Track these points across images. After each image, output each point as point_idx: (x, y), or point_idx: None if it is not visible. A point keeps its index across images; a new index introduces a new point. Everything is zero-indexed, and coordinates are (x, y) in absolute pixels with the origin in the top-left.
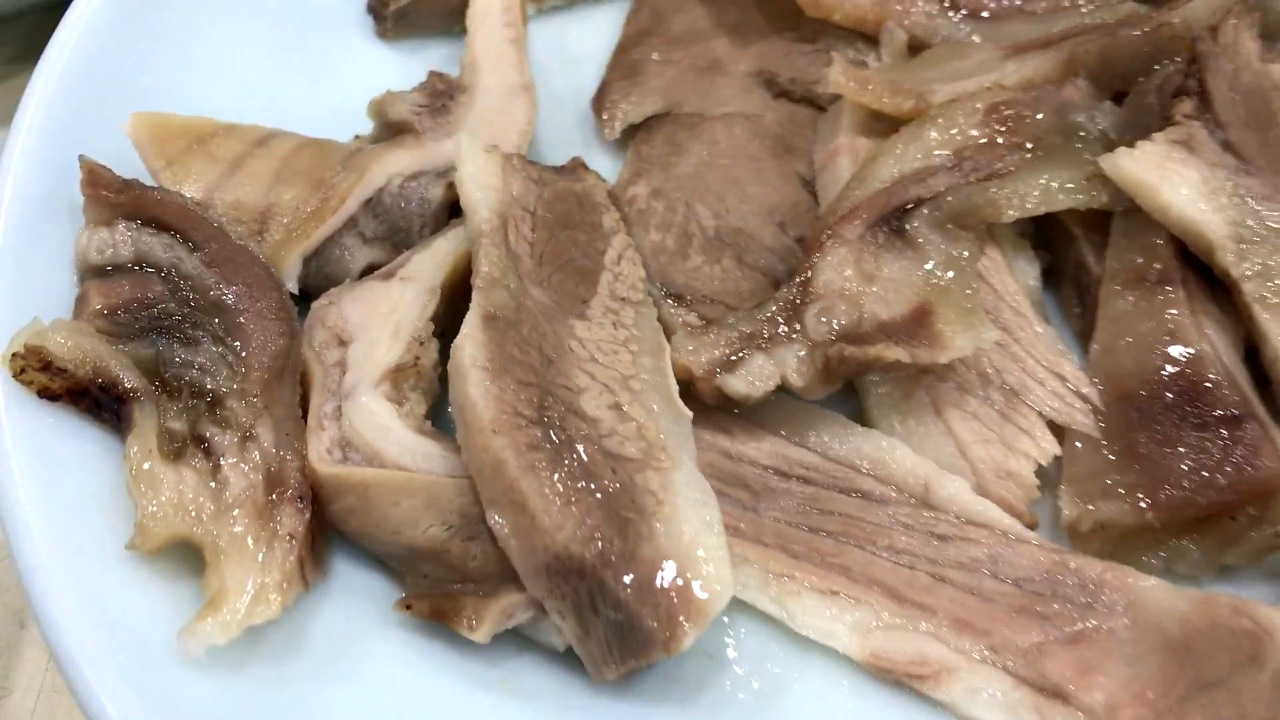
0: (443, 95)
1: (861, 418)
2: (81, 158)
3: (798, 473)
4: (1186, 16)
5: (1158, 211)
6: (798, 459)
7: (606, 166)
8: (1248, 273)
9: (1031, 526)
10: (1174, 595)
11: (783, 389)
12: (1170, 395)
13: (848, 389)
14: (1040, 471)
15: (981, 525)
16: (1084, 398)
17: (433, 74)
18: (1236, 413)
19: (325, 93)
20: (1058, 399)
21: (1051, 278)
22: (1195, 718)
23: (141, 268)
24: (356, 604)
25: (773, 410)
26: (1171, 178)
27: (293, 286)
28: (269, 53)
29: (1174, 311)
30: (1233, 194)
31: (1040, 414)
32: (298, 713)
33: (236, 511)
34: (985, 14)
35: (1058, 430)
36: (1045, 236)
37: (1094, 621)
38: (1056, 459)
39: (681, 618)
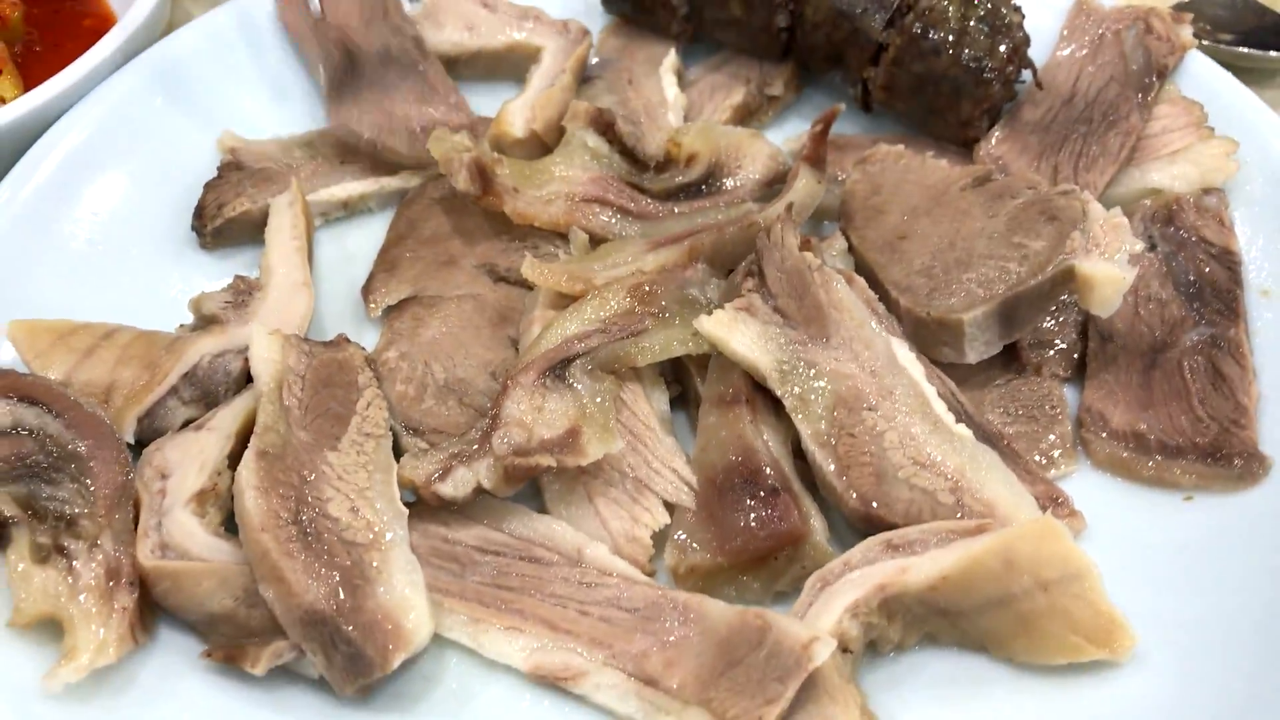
0: (243, 293)
1: (543, 507)
2: None
3: (493, 549)
4: (765, 216)
5: (730, 355)
6: (493, 539)
7: (371, 337)
8: (788, 394)
9: (650, 574)
10: (726, 610)
11: (484, 491)
12: (736, 479)
13: (535, 487)
14: (661, 535)
15: (614, 574)
16: (688, 483)
17: (237, 277)
18: (776, 487)
19: (161, 293)
20: (671, 485)
21: (682, 401)
22: (724, 684)
23: (17, 431)
24: (174, 655)
25: (480, 506)
26: (735, 333)
27: (130, 438)
28: (117, 263)
29: (740, 423)
30: (779, 341)
31: (659, 496)
32: None
33: (84, 595)
34: (645, 217)
35: (671, 507)
36: (678, 372)
37: (679, 633)
38: (668, 526)
39: (392, 647)
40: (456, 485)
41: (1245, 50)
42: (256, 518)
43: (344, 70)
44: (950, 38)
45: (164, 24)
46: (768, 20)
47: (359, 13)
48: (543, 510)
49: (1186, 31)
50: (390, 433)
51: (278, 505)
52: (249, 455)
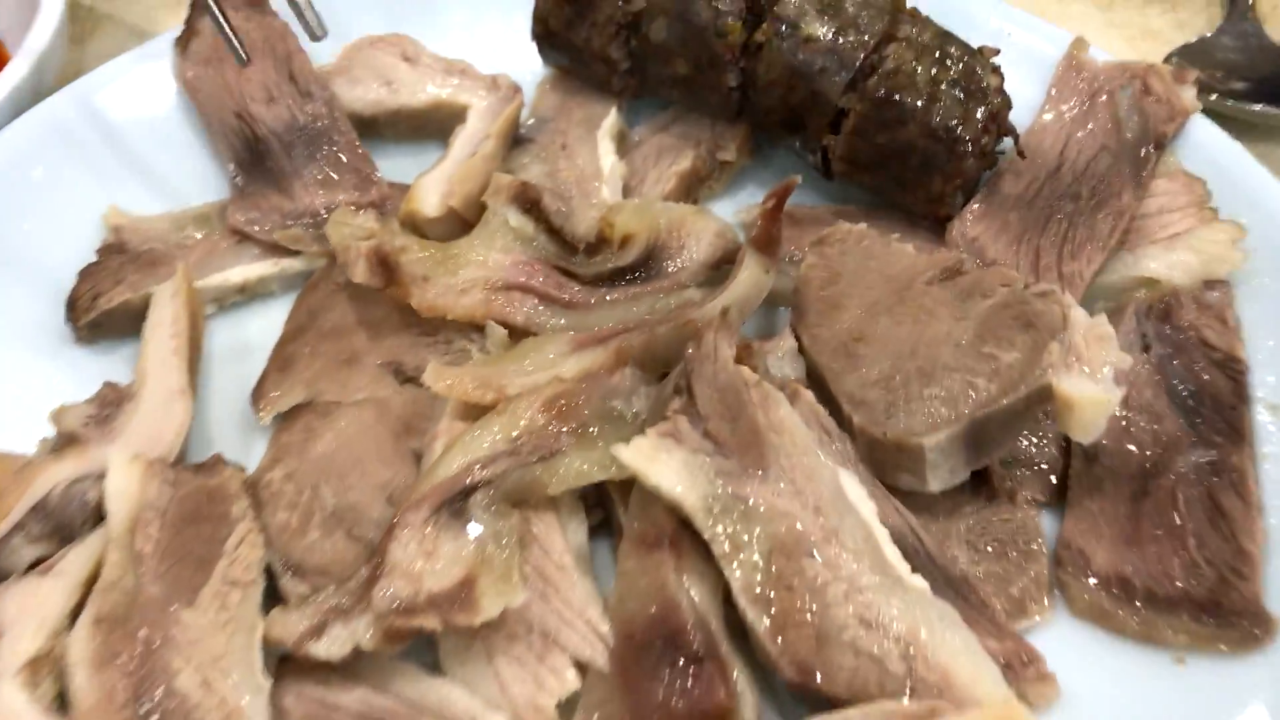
0: (111, 404)
1: (438, 661)
2: None
3: (377, 716)
4: (702, 316)
5: (651, 489)
6: (379, 704)
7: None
8: (718, 537)
9: None
10: None
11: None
12: (655, 639)
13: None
14: (572, 699)
15: None
16: (603, 638)
17: (106, 385)
18: (700, 653)
19: (28, 398)
20: (583, 640)
21: (606, 527)
22: None
23: None
24: None
25: (366, 661)
26: (657, 464)
27: None
28: None
29: (662, 570)
30: (709, 473)
31: (569, 655)
32: None
33: None
34: (574, 306)
35: (584, 667)
36: (600, 495)
37: None
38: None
39: None
40: (332, 645)
41: (1260, 108)
42: (86, 701)
43: (247, 162)
44: (919, 104)
45: (58, 72)
46: (717, 79)
47: (263, 83)
48: (437, 667)
49: (1189, 94)
50: (262, 577)
51: (114, 683)
52: (83, 622)
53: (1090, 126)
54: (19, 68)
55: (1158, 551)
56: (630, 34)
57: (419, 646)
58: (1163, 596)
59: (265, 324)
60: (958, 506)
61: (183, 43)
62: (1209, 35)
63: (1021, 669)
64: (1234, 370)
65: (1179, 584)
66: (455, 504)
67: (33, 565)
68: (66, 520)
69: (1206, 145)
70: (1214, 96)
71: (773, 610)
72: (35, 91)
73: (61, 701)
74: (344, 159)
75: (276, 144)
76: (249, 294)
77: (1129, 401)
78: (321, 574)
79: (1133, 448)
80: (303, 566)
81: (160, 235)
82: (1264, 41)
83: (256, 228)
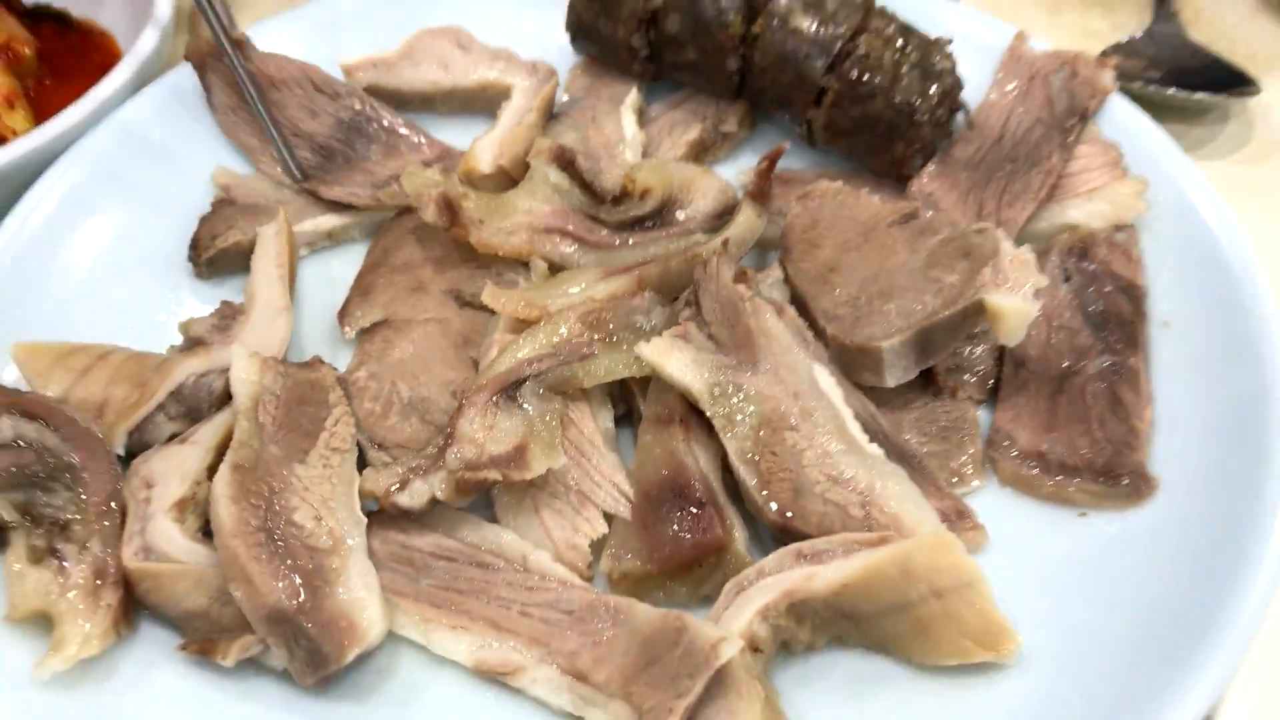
0: (228, 317)
1: (494, 517)
2: None
3: (446, 555)
4: (706, 249)
5: (666, 378)
6: (447, 546)
7: (346, 357)
8: (717, 414)
9: (588, 579)
10: (651, 612)
11: (439, 501)
12: (667, 492)
13: (488, 499)
14: (600, 543)
15: (554, 579)
16: (626, 495)
17: (224, 303)
18: (703, 500)
19: (154, 317)
20: (610, 497)
21: (628, 419)
22: (644, 679)
23: (18, 443)
24: (152, 647)
25: (437, 515)
26: (671, 358)
27: (120, 451)
28: (115, 289)
29: (673, 441)
30: (711, 366)
31: (599, 508)
32: (110, 713)
33: (73, 592)
34: (601, 247)
35: (610, 517)
36: (624, 392)
37: (609, 633)
38: (607, 535)
39: (347, 643)
40: (413, 496)
41: (1172, 92)
42: (228, 524)
43: (316, 163)
44: (884, 82)
45: (168, 57)
46: (720, 63)
47: (299, 105)
48: (494, 519)
49: (1108, 76)
50: (355, 447)
51: (248, 513)
52: (224, 467)
53: (1028, 103)
54: (141, 51)
55: (1069, 433)
56: (649, 26)
57: (479, 504)
58: (1071, 465)
59: (347, 263)
60: (909, 400)
61: (209, 101)
62: (1137, 35)
63: (958, 520)
64: (1134, 294)
65: (1084, 456)
66: (510, 391)
67: (169, 439)
68: (197, 404)
69: (1121, 118)
70: (1137, 83)
71: (760, 470)
72: (152, 74)
73: (203, 534)
74: (399, 130)
75: (337, 144)
76: (335, 239)
77: (1051, 320)
78: (401, 449)
79: (1053, 356)
80: (385, 443)
81: (262, 192)
82: (1182, 40)
83: (354, 198)
